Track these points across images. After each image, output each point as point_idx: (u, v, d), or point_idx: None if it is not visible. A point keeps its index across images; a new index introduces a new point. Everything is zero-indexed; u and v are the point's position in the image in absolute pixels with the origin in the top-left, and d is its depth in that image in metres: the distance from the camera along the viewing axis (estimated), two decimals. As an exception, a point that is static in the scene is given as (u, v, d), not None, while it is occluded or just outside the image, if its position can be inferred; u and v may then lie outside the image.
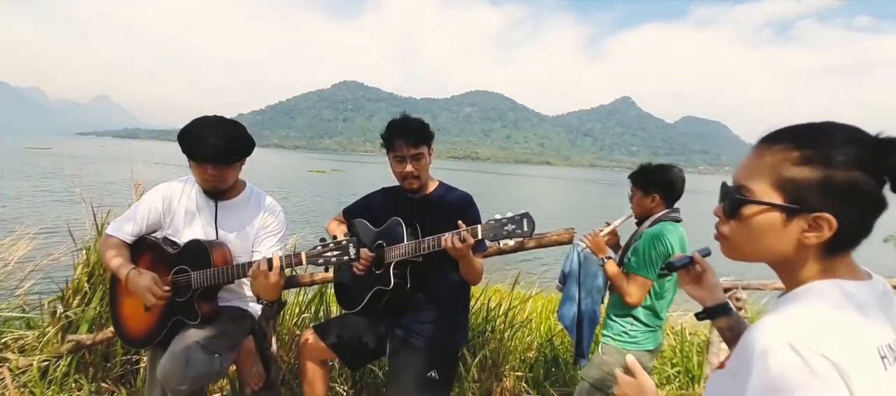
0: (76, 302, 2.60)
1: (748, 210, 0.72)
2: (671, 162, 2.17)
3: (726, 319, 1.00)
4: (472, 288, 3.08)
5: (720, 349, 3.11)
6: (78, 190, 3.15)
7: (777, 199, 0.69)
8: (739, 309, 3.12)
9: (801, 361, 0.58)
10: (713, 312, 1.02)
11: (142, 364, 2.52)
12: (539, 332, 3.59)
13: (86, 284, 2.63)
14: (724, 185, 0.78)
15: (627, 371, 0.93)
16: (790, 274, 0.73)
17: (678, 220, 2.08)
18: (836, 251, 0.69)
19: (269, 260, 1.57)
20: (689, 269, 1.04)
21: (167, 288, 1.69)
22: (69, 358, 2.43)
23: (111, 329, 2.29)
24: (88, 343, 2.36)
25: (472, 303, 3.10)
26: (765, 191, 0.70)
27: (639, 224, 2.16)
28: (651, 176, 2.09)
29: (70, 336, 2.39)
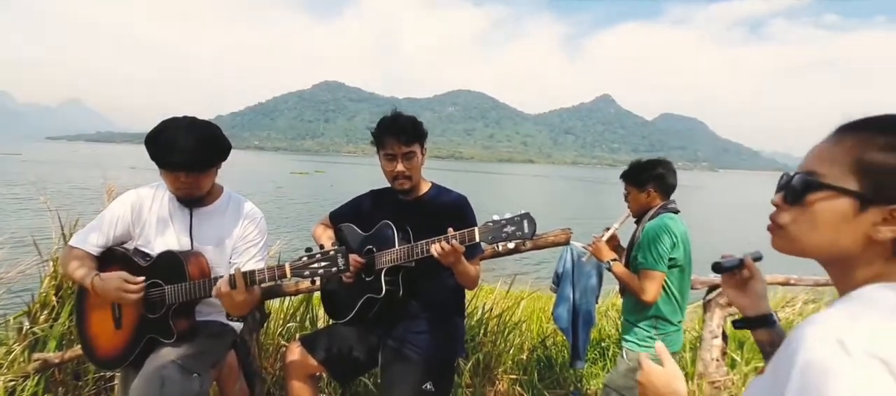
0: (43, 317, 2.44)
1: (815, 195, 0.66)
2: (651, 158, 2.15)
3: (768, 332, 0.92)
4: (467, 292, 3.00)
5: (713, 345, 3.10)
6: (42, 197, 2.96)
7: (852, 185, 0.62)
8: (730, 305, 3.12)
9: (848, 358, 0.52)
10: (754, 323, 0.94)
11: (115, 382, 2.38)
12: (531, 333, 3.54)
13: (53, 298, 2.48)
14: (784, 175, 0.72)
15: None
16: (846, 274, 0.66)
17: (676, 211, 2.05)
18: None
19: (232, 278, 1.45)
20: (734, 273, 0.96)
21: (141, 278, 1.55)
22: (37, 377, 2.27)
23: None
24: (56, 361, 2.21)
25: (466, 306, 3.03)
26: (839, 176, 0.64)
27: (638, 221, 2.12)
28: (644, 171, 2.09)
29: (36, 355, 2.23)
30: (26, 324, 2.41)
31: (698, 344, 3.25)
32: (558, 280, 2.81)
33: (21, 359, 2.32)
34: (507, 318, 3.27)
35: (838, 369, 0.52)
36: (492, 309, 3.24)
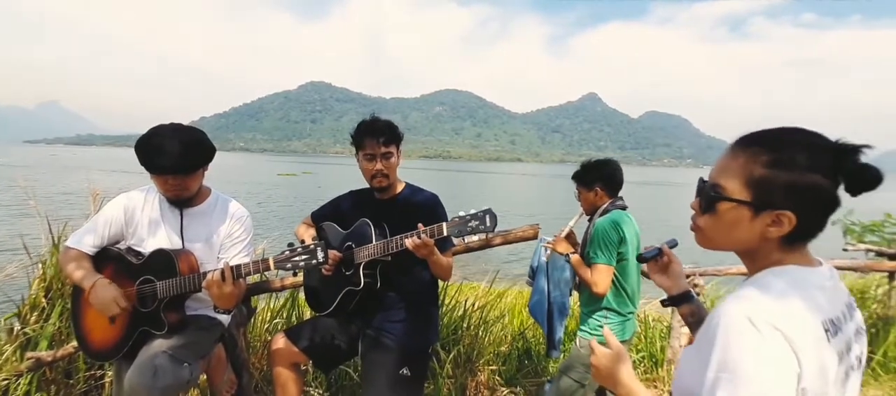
0: (34, 318, 2.50)
1: (722, 206, 0.80)
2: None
3: (689, 306, 1.09)
4: (449, 286, 3.13)
5: (681, 333, 3.28)
6: (32, 202, 3.00)
7: (747, 197, 0.77)
8: (697, 294, 3.30)
9: (756, 331, 0.68)
10: (677, 300, 1.10)
11: (106, 379, 2.45)
12: (513, 326, 3.67)
13: (43, 300, 2.54)
14: (701, 180, 0.87)
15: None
16: (753, 261, 0.82)
17: (624, 208, 2.19)
18: (794, 242, 0.79)
19: (220, 271, 1.57)
20: (657, 260, 1.12)
21: (130, 302, 1.67)
22: (29, 376, 2.33)
23: (73, 344, 2.23)
24: (49, 359, 2.27)
25: (448, 301, 3.15)
26: (737, 189, 0.78)
27: (590, 219, 2.27)
28: (591, 172, 2.22)
29: (29, 354, 2.30)
30: (17, 326, 2.47)
31: (668, 333, 3.43)
32: (534, 274, 2.95)
33: (13, 359, 2.38)
34: (489, 312, 3.40)
35: (748, 339, 0.68)
36: (474, 304, 3.37)
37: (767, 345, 0.68)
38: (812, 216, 0.76)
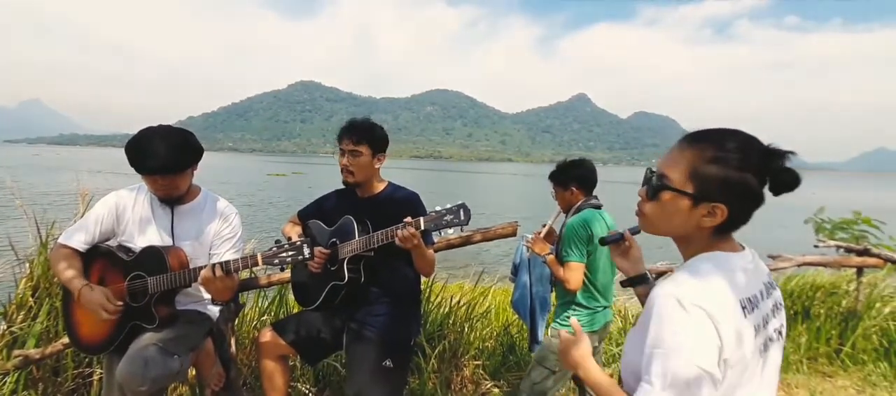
0: (21, 317, 2.51)
1: (666, 195, 0.89)
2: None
3: (644, 287, 1.20)
4: (435, 284, 3.20)
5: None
6: (19, 201, 3.01)
7: (689, 189, 0.87)
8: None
9: (683, 310, 0.79)
10: (634, 281, 1.21)
11: (95, 377, 2.48)
12: (497, 323, 3.75)
13: (30, 299, 2.55)
14: (648, 170, 0.96)
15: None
16: (687, 247, 0.93)
17: (598, 206, 2.28)
18: (723, 231, 0.89)
19: (213, 267, 1.64)
20: (619, 244, 1.22)
21: (120, 302, 1.72)
22: (16, 375, 2.35)
23: (62, 342, 2.26)
24: (37, 357, 2.29)
25: (433, 298, 3.22)
26: (680, 181, 0.88)
27: (567, 217, 2.36)
28: (566, 171, 2.31)
29: (17, 351, 2.31)
30: (3, 325, 2.49)
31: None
32: (516, 270, 3.03)
33: (0, 358, 2.40)
34: (474, 309, 3.48)
35: (677, 317, 0.79)
36: (459, 301, 3.44)
37: (692, 322, 0.78)
38: (741, 209, 0.86)
